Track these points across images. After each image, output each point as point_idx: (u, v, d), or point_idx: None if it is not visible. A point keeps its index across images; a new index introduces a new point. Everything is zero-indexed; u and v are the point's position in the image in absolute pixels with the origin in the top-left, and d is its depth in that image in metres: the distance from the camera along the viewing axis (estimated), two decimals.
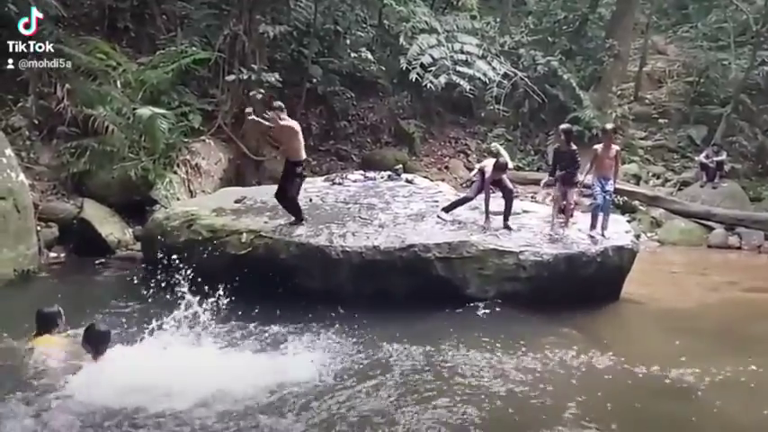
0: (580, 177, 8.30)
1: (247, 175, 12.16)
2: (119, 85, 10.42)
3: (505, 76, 14.42)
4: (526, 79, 14.92)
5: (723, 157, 13.99)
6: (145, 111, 9.74)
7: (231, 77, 11.65)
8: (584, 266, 7.51)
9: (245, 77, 11.58)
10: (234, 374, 5.00)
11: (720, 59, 16.87)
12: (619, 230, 8.22)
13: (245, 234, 7.58)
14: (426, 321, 6.78)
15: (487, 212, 8.08)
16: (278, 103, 7.73)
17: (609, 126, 8.42)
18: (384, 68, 15.10)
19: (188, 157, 10.99)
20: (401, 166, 11.91)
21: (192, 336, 5.51)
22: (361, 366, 5.58)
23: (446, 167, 14.86)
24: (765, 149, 15.53)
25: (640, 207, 13.60)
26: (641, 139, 16.51)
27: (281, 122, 7.44)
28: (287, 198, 7.69)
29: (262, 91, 11.39)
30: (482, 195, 8.11)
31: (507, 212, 8.03)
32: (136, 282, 7.30)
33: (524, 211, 8.73)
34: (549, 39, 17.46)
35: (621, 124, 15.40)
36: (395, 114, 14.98)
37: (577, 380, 5.57)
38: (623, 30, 16.40)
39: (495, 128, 15.83)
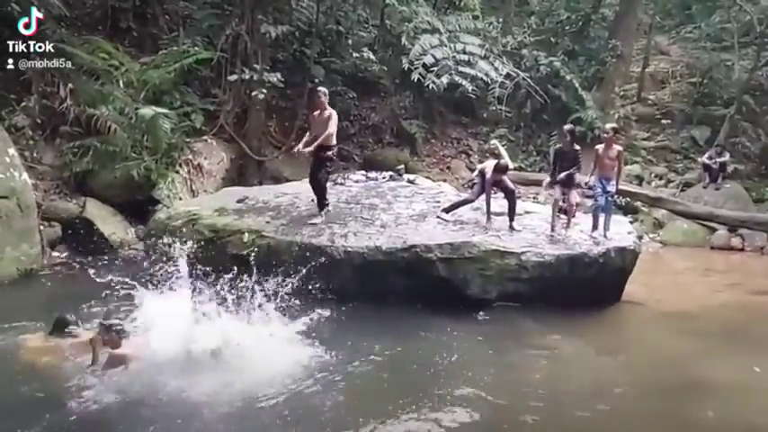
0: (581, 178, 8.29)
1: (249, 174, 12.17)
2: (121, 84, 10.42)
3: (508, 76, 14.38)
4: (528, 80, 14.89)
5: (726, 158, 13.94)
6: (147, 110, 9.74)
7: (233, 77, 11.66)
8: (586, 267, 7.50)
9: (248, 77, 11.59)
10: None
11: (724, 60, 16.84)
12: (621, 231, 8.19)
13: (246, 234, 7.61)
14: (428, 322, 6.78)
15: (489, 213, 8.09)
16: (322, 89, 7.98)
17: (608, 126, 8.40)
18: (386, 69, 15.11)
19: (190, 156, 11.02)
20: (403, 166, 11.93)
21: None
22: (359, 365, 5.58)
23: (448, 168, 14.84)
24: None
25: (643, 208, 13.58)
26: (644, 139, 16.49)
27: (326, 112, 7.80)
28: (315, 179, 7.96)
29: (264, 91, 11.43)
30: (483, 197, 8.12)
31: (512, 213, 8.03)
32: (136, 282, 7.29)
33: (526, 212, 8.70)
34: (552, 39, 17.40)
35: (624, 125, 15.34)
36: (397, 115, 14.96)
37: (579, 381, 5.57)
38: (626, 30, 16.36)
39: (498, 128, 15.82)
